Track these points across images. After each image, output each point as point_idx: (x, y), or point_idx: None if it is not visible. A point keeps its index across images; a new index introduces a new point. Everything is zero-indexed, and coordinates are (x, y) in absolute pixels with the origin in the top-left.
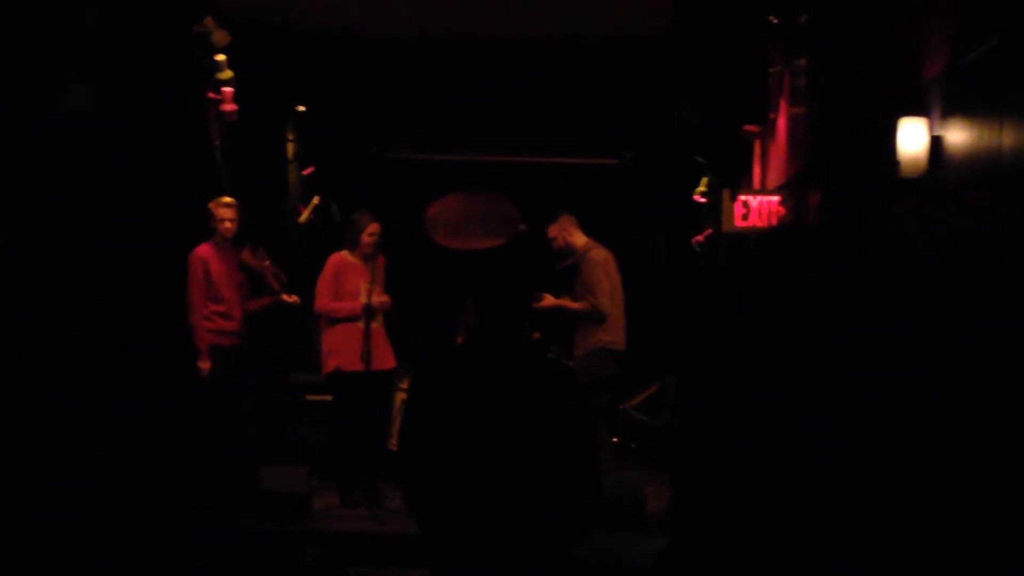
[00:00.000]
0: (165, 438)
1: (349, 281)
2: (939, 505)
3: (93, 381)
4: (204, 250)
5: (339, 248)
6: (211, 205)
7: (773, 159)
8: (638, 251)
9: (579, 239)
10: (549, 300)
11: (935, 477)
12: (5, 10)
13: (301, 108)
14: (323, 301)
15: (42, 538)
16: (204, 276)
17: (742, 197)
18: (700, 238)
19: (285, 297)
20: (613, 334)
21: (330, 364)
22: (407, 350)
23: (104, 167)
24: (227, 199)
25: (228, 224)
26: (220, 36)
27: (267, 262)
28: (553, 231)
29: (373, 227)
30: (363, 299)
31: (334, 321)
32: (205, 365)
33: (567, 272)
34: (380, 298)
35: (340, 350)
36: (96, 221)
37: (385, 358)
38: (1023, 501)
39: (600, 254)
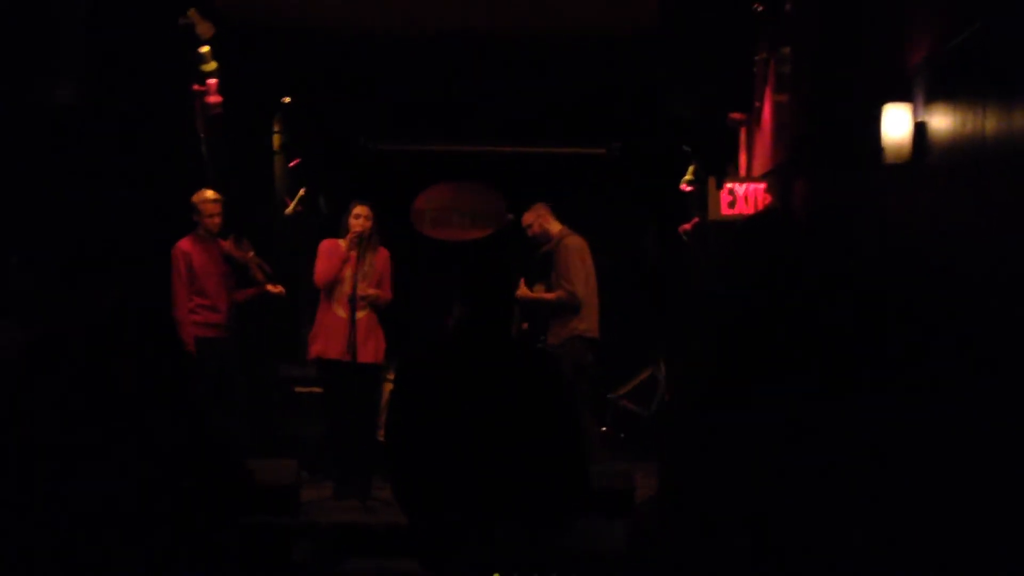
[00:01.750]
0: (155, 432)
1: (340, 268)
2: (921, 493)
3: (81, 376)
4: (186, 244)
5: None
6: (195, 199)
7: (759, 147)
8: (627, 240)
9: (554, 226)
10: (523, 291)
11: (917, 461)
12: None
13: (287, 100)
14: (319, 274)
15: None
16: (187, 270)
17: (728, 185)
18: (687, 226)
19: (270, 287)
20: (588, 322)
21: (312, 350)
22: (396, 341)
23: (89, 160)
24: (212, 194)
25: (217, 219)
26: (205, 28)
27: (251, 253)
28: (528, 218)
29: (358, 209)
30: (347, 288)
31: (321, 302)
32: None
33: (542, 261)
34: (366, 291)
35: (322, 336)
36: (82, 214)
37: (365, 351)
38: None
39: (575, 241)
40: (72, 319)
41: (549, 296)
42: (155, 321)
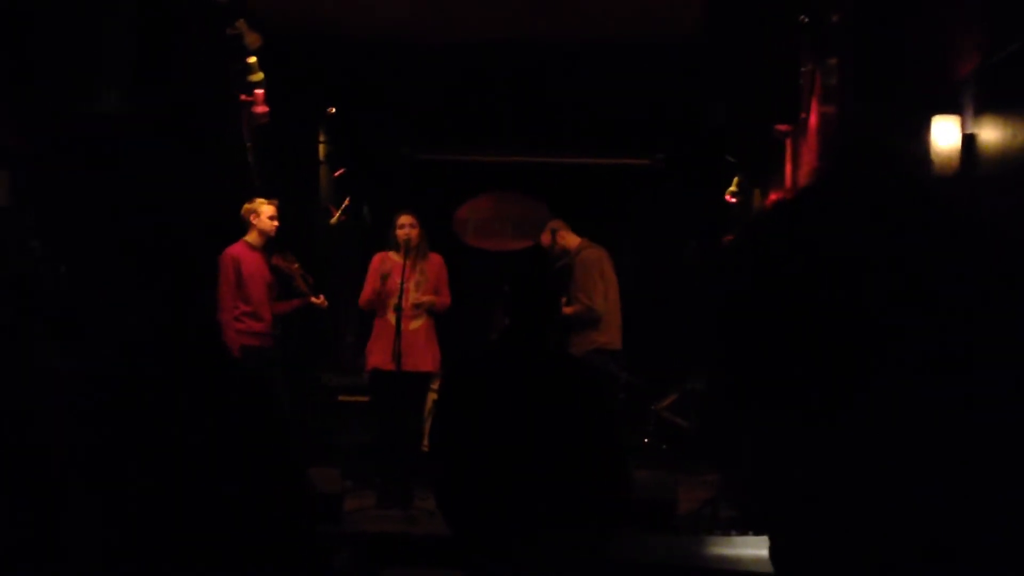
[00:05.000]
0: (203, 439)
1: (390, 279)
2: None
3: (136, 383)
4: (235, 250)
5: (382, 249)
6: (249, 206)
7: (804, 158)
8: (670, 252)
9: (571, 241)
10: None
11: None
12: (42, 16)
13: (332, 110)
14: (362, 296)
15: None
16: (235, 276)
17: (773, 196)
18: (732, 238)
19: (314, 299)
20: (608, 335)
21: (369, 362)
22: (443, 351)
23: (135, 169)
24: (265, 199)
25: (276, 223)
26: (252, 39)
27: (296, 264)
28: (545, 239)
29: (402, 219)
30: (394, 300)
31: (372, 317)
32: None
33: (562, 274)
34: (420, 299)
35: (376, 349)
36: (129, 223)
37: (420, 360)
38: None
39: (593, 254)
40: (137, 334)
41: (567, 310)
42: (199, 327)
